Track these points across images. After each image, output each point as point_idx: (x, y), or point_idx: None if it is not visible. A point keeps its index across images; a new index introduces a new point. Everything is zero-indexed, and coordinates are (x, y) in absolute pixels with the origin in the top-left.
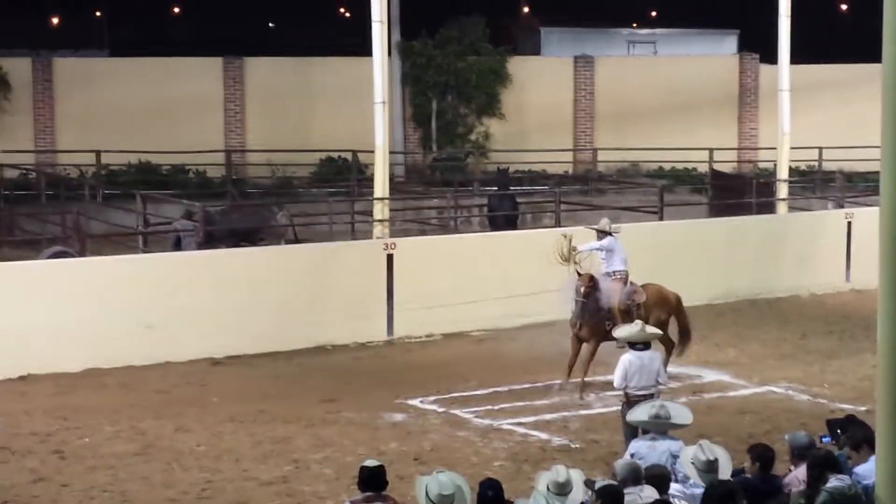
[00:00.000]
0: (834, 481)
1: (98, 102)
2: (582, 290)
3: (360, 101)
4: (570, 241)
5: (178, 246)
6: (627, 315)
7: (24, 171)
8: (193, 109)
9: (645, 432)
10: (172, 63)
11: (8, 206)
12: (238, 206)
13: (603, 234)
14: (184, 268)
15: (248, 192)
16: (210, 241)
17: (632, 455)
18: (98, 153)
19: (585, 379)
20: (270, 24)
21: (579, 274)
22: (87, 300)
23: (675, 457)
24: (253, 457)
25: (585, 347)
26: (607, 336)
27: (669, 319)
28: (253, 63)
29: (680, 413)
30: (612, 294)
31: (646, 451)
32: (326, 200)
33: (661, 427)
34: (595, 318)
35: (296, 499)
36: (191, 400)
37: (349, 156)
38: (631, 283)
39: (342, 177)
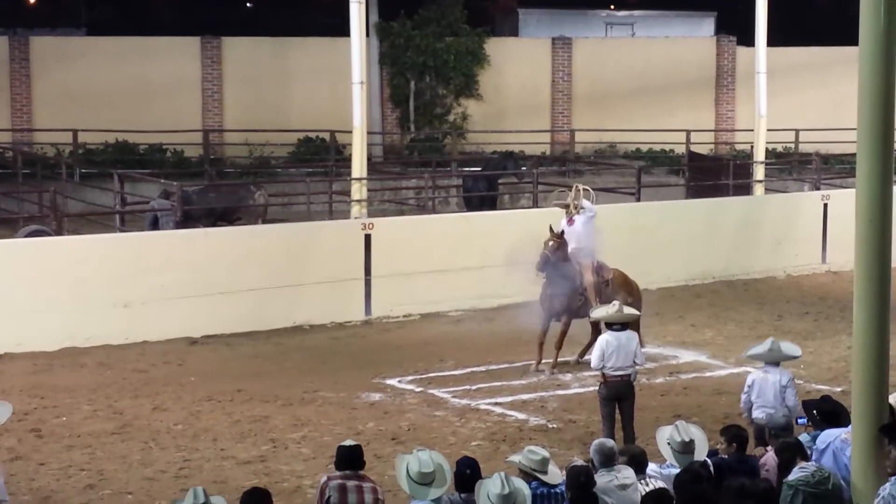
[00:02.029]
0: (797, 472)
1: (75, 81)
2: (550, 243)
3: (338, 82)
4: (581, 194)
5: (155, 225)
6: (598, 292)
7: (1, 150)
8: (171, 89)
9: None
10: (150, 42)
11: None
12: (215, 186)
13: (576, 208)
14: (161, 247)
15: (226, 172)
16: (187, 220)
17: (749, 385)
18: (75, 132)
19: (559, 358)
20: (248, 4)
21: (552, 230)
22: (64, 279)
23: (784, 386)
24: (230, 436)
25: (558, 325)
26: (579, 312)
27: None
28: (231, 43)
29: (791, 347)
30: (584, 269)
31: (761, 380)
32: (304, 180)
33: (774, 358)
34: (568, 293)
35: (273, 478)
36: (168, 379)
37: (327, 136)
38: (598, 261)
39: (320, 157)
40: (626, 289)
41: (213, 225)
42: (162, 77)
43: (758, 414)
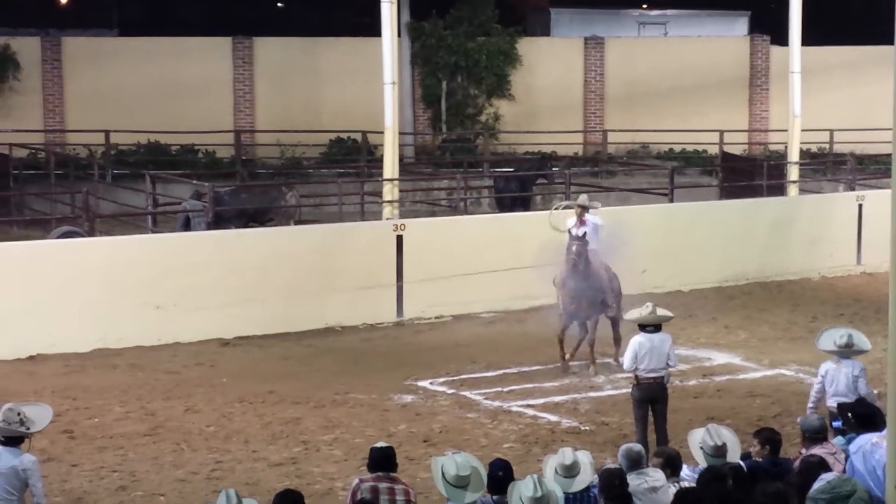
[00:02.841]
0: (817, 483)
1: (107, 82)
2: (574, 248)
3: (370, 82)
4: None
5: (187, 226)
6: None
7: (34, 151)
8: (202, 89)
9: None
10: (181, 43)
11: (17, 186)
12: (247, 187)
13: (584, 209)
14: (193, 248)
15: (258, 173)
16: (219, 221)
17: (823, 376)
18: (107, 133)
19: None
20: (279, 4)
21: (571, 234)
22: (96, 280)
23: (856, 376)
24: (262, 438)
25: (585, 325)
26: (600, 309)
27: None
28: (262, 43)
29: (862, 340)
30: (598, 266)
31: (833, 370)
32: (336, 181)
33: (846, 353)
34: (589, 291)
35: (305, 480)
36: (200, 381)
37: (358, 136)
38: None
39: (351, 157)
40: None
41: (245, 226)
42: (193, 77)
43: (831, 403)
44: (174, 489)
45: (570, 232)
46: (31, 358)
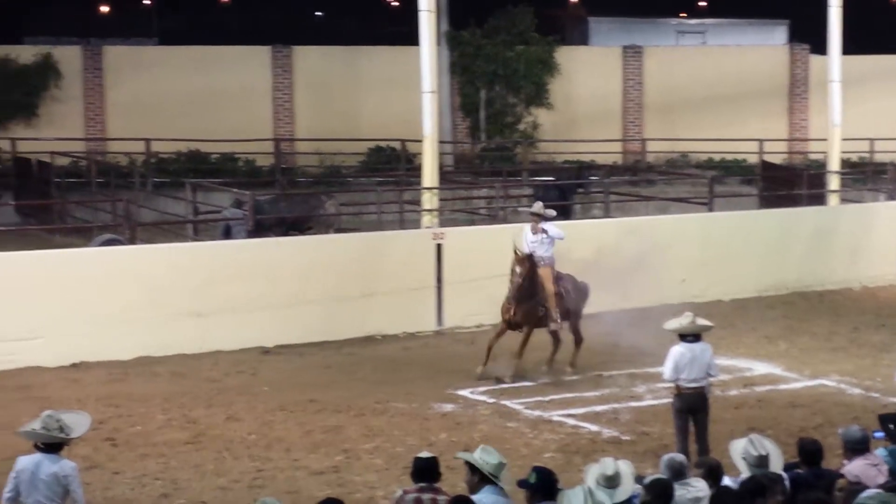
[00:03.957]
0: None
1: (147, 91)
2: (518, 269)
3: (409, 91)
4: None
5: (227, 234)
6: (560, 300)
7: (75, 159)
8: (242, 98)
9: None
10: (221, 52)
11: (59, 194)
12: (287, 195)
13: (539, 217)
14: (234, 256)
15: (297, 181)
16: (259, 229)
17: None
18: (148, 141)
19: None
20: (318, 13)
21: (517, 254)
22: (137, 288)
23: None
24: (303, 446)
25: (519, 334)
26: (540, 322)
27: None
28: (301, 52)
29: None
30: (545, 279)
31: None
32: (375, 189)
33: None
34: (530, 303)
35: (346, 488)
36: (241, 389)
37: (397, 145)
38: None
39: (390, 166)
40: (582, 295)
41: (285, 234)
42: (233, 86)
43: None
44: (216, 497)
45: (514, 250)
46: (74, 365)
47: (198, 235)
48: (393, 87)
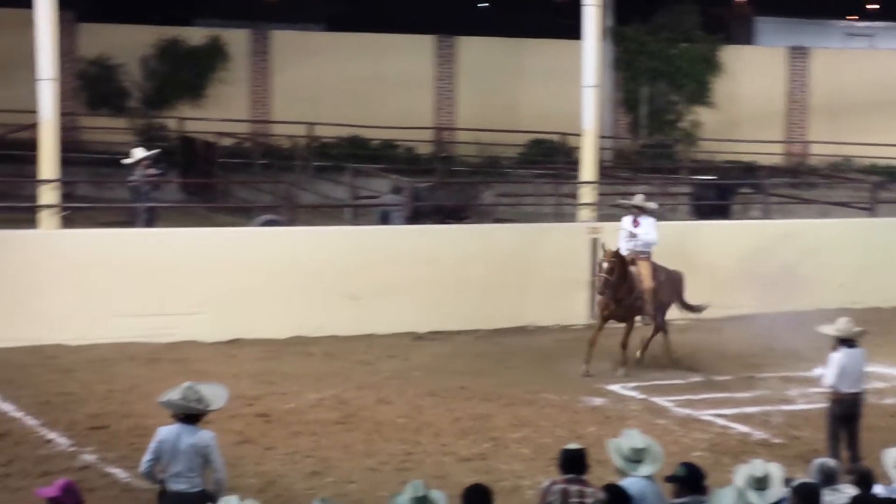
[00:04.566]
0: None
1: (312, 75)
2: (605, 265)
3: (571, 85)
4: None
5: (385, 220)
6: (655, 294)
7: (239, 140)
8: (404, 86)
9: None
10: (386, 39)
11: (223, 174)
12: (446, 184)
13: (639, 210)
14: (390, 242)
15: (456, 170)
16: (417, 216)
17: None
18: (310, 125)
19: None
20: (484, 4)
21: (605, 250)
22: (295, 269)
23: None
24: (452, 432)
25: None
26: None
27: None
28: (465, 42)
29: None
30: (642, 273)
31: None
32: (533, 182)
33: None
34: (627, 299)
35: (493, 476)
36: (393, 372)
37: (557, 138)
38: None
39: (549, 159)
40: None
41: (442, 222)
42: (396, 74)
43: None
44: (364, 478)
45: (603, 246)
46: (231, 342)
47: (356, 220)
48: (555, 81)
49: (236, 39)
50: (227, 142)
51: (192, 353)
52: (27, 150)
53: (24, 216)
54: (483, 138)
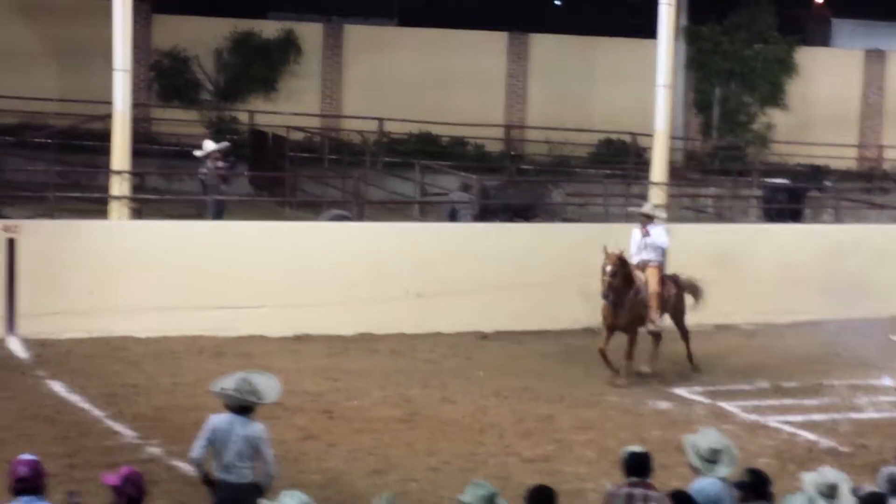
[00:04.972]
0: None
1: (384, 70)
2: (609, 268)
3: (643, 84)
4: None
5: (453, 217)
6: (661, 300)
7: (309, 134)
8: (475, 83)
9: None
10: (458, 35)
11: (292, 168)
12: (514, 182)
13: (648, 218)
14: (457, 239)
15: (525, 169)
16: (485, 214)
17: None
18: (381, 121)
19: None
20: (557, 2)
21: (606, 253)
22: (362, 264)
23: None
24: (515, 433)
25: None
26: (641, 323)
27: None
28: (538, 40)
29: None
30: (649, 280)
31: None
32: (602, 182)
33: None
34: (630, 305)
35: (556, 478)
36: (457, 371)
37: (628, 138)
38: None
39: (619, 159)
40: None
41: (510, 221)
42: (468, 70)
43: None
44: (426, 477)
45: (604, 248)
46: (296, 337)
47: (424, 216)
48: (627, 80)
49: (309, 33)
50: (296, 136)
51: (258, 347)
52: (99, 141)
53: (96, 206)
54: (553, 137)
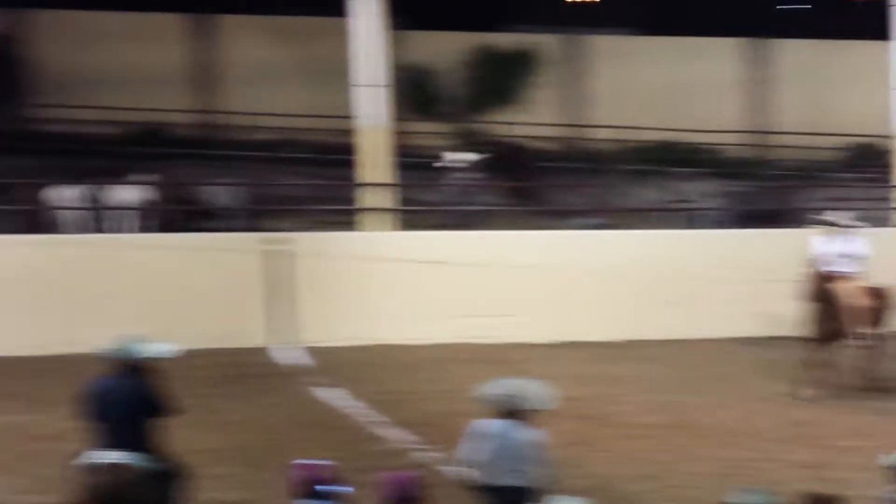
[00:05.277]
0: None
1: (622, 80)
2: (809, 285)
3: (882, 86)
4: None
5: (698, 224)
6: (868, 313)
7: (553, 145)
8: (714, 89)
9: None
10: (694, 42)
11: (538, 178)
12: (762, 188)
13: (847, 229)
14: (708, 246)
15: (771, 175)
16: (734, 221)
17: None
18: (623, 129)
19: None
20: (791, 7)
21: (807, 270)
22: (616, 272)
23: None
24: (785, 438)
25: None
26: (845, 337)
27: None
28: (778, 45)
29: None
30: (851, 293)
31: None
32: (847, 185)
33: None
34: (831, 319)
35: (826, 485)
36: (722, 377)
37: (874, 141)
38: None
39: (866, 162)
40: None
41: (759, 227)
42: (705, 77)
43: None
44: (701, 483)
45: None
46: (552, 344)
47: (664, 224)
48: (871, 83)
49: (547, 45)
50: (540, 146)
51: (521, 354)
52: (342, 155)
53: (342, 218)
54: (797, 142)
